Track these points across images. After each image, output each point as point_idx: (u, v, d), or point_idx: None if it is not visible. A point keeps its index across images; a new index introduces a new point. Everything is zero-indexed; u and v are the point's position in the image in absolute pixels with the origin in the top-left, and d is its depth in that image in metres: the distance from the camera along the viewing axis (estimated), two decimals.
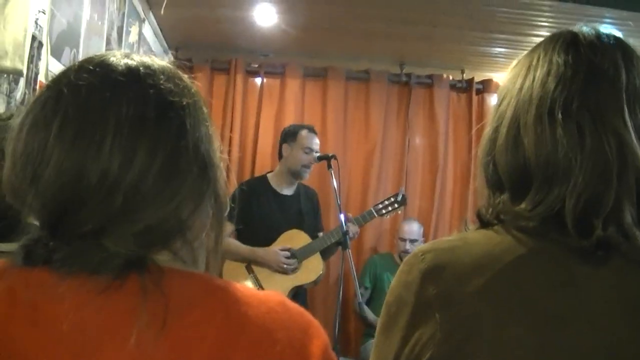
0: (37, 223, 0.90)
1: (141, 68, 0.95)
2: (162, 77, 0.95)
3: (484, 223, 1.11)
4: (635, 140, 1.02)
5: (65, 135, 0.88)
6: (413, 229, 5.33)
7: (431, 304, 1.02)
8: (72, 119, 0.88)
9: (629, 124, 1.02)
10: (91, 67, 0.94)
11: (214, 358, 0.84)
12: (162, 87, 0.94)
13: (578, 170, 1.01)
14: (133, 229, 0.87)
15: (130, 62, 0.96)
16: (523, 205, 1.04)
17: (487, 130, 1.14)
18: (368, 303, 5.16)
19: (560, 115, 1.04)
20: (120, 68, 0.94)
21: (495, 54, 5.43)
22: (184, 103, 0.95)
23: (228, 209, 1.03)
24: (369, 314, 4.95)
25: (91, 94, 0.90)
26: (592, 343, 0.96)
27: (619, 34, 1.11)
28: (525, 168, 1.06)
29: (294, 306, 0.95)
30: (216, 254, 1.02)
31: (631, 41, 1.11)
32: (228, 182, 1.04)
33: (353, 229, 4.47)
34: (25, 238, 0.89)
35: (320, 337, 0.92)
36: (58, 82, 0.93)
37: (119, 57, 0.96)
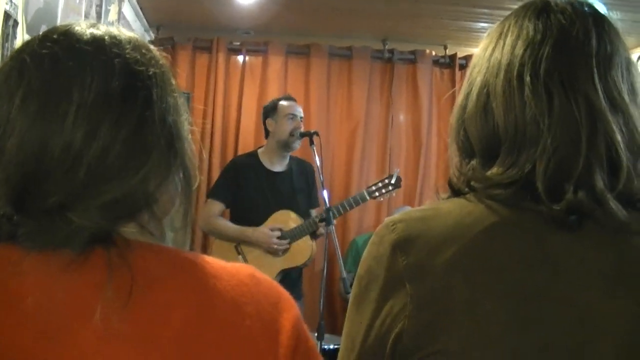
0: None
1: (107, 37, 0.93)
2: (128, 46, 0.93)
3: (455, 191, 1.10)
4: (605, 105, 1.01)
5: (28, 108, 0.86)
6: None
7: (402, 275, 1.01)
8: (35, 90, 0.87)
9: (599, 88, 1.02)
10: (55, 37, 0.92)
11: (184, 331, 0.83)
12: (128, 56, 0.92)
13: (546, 133, 1.00)
14: (98, 201, 0.85)
15: (95, 31, 0.94)
16: (494, 170, 1.04)
17: (459, 97, 1.14)
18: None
19: (528, 79, 1.03)
20: (85, 37, 0.92)
21: (478, 28, 5.40)
22: (151, 73, 0.93)
23: (197, 182, 1.01)
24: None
25: (55, 65, 0.88)
26: (569, 318, 0.96)
27: (602, 7, 1.11)
28: (494, 133, 1.05)
29: (265, 279, 0.94)
30: (185, 229, 1.00)
31: (619, 15, 1.11)
32: (198, 156, 1.02)
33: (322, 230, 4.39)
34: None
35: (291, 310, 0.92)
36: (21, 52, 0.91)
37: (84, 27, 0.94)
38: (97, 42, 0.92)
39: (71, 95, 0.86)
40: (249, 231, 4.41)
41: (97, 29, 0.95)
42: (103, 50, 0.91)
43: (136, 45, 0.95)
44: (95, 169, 0.85)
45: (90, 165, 0.85)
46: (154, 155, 0.90)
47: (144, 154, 0.89)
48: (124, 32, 0.97)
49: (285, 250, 4.43)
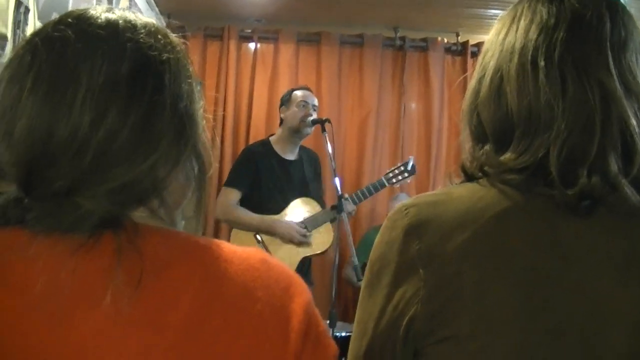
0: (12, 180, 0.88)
1: (121, 22, 0.92)
2: (142, 31, 0.92)
3: (468, 176, 1.10)
4: (619, 89, 1.00)
5: (38, 91, 0.86)
6: None
7: (414, 260, 1.01)
8: (45, 74, 0.87)
9: (614, 72, 1.01)
10: (69, 20, 0.91)
11: (192, 316, 0.83)
12: (142, 41, 0.91)
13: (560, 118, 0.99)
14: (105, 187, 0.84)
15: (110, 15, 0.93)
16: (507, 155, 1.03)
17: (472, 82, 1.13)
18: None
19: (542, 63, 1.02)
20: (99, 21, 0.91)
21: (491, 16, 5.37)
22: (164, 58, 0.92)
23: (211, 169, 1.01)
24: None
25: (65, 48, 0.88)
26: (581, 305, 0.96)
27: None
28: (507, 117, 1.05)
29: (276, 264, 0.93)
30: (197, 216, 1.00)
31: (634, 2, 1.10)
32: (212, 143, 1.01)
33: (349, 207, 4.37)
34: (1, 198, 0.87)
35: (302, 295, 0.91)
36: (35, 36, 0.91)
37: (99, 11, 0.93)
38: (110, 26, 0.91)
39: (80, 79, 0.86)
40: (273, 222, 4.38)
41: (113, 13, 0.94)
42: (116, 34, 0.90)
43: (151, 31, 0.94)
44: (102, 154, 0.85)
45: (96, 150, 0.84)
46: (164, 141, 0.89)
47: (153, 140, 0.88)
48: (140, 17, 0.95)
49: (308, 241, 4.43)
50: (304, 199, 4.51)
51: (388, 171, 4.70)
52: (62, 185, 0.84)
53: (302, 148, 4.73)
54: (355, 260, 3.78)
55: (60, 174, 0.84)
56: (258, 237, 4.36)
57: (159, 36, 0.94)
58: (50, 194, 0.84)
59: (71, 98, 0.85)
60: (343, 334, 3.74)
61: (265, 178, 4.48)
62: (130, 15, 0.95)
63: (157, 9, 5.40)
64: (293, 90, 4.70)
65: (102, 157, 0.85)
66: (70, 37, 0.89)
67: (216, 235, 5.40)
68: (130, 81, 0.88)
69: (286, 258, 4.27)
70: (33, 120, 0.85)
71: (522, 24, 1.08)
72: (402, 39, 5.95)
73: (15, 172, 0.87)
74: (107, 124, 0.85)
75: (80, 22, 0.91)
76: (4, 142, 0.87)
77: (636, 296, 0.96)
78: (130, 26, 0.92)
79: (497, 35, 1.11)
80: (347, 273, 5.23)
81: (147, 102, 0.88)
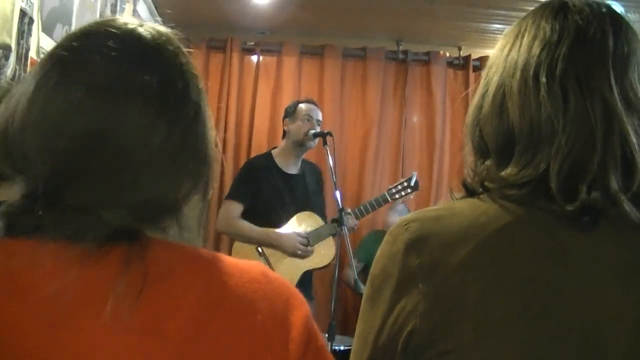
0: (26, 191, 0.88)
1: (170, 47, 0.95)
2: (184, 59, 0.96)
3: (469, 191, 1.10)
4: (620, 106, 1.01)
5: (85, 105, 0.86)
6: (394, 220, 5.20)
7: (415, 274, 1.01)
8: (93, 88, 0.87)
9: (615, 89, 1.02)
10: (117, 33, 0.92)
11: (192, 326, 0.84)
12: (185, 68, 0.95)
13: (561, 133, 1.00)
14: (131, 201, 0.86)
15: (155, 34, 0.95)
16: (508, 170, 1.04)
17: (475, 97, 1.14)
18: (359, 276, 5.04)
19: (544, 79, 1.03)
20: (147, 38, 0.93)
21: (493, 30, 5.39)
22: (200, 86, 0.96)
23: (215, 182, 1.02)
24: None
25: (121, 63, 0.89)
26: (581, 311, 0.97)
27: (620, 8, 1.10)
28: (509, 132, 1.06)
29: (276, 277, 0.95)
30: (199, 228, 1.01)
31: (637, 17, 1.10)
32: (219, 163, 1.03)
33: (352, 221, 4.39)
34: (5, 205, 0.87)
35: (301, 307, 0.92)
36: (80, 46, 0.91)
37: (147, 28, 0.95)
38: (159, 47, 0.93)
39: (131, 95, 0.88)
40: (275, 235, 4.38)
41: (157, 31, 0.96)
42: (164, 54, 0.93)
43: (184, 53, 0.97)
44: (142, 171, 0.87)
45: (138, 167, 0.86)
46: (191, 163, 0.92)
47: (183, 161, 0.91)
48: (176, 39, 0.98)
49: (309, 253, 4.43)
50: (307, 212, 4.51)
51: (391, 186, 4.71)
52: (92, 199, 0.85)
53: (304, 161, 4.74)
54: (355, 274, 3.79)
55: (95, 188, 0.86)
56: (259, 249, 4.32)
57: (188, 59, 0.97)
58: (76, 205, 0.85)
59: (122, 114, 0.87)
60: (342, 348, 3.72)
61: (267, 191, 4.48)
62: (173, 36, 0.98)
63: (160, 19, 5.42)
64: (298, 102, 4.72)
65: (141, 173, 0.87)
66: (118, 52, 0.90)
67: (217, 246, 5.40)
68: (177, 95, 0.91)
69: (287, 272, 4.25)
70: (81, 133, 0.86)
71: (526, 40, 1.08)
72: (405, 52, 5.96)
73: (49, 182, 0.86)
74: (155, 142, 0.87)
75: (132, 38, 0.93)
76: (41, 155, 0.86)
77: (636, 303, 0.97)
78: (178, 51, 0.96)
79: (501, 51, 1.12)
80: (347, 275, 5.21)
81: (185, 126, 0.91)
